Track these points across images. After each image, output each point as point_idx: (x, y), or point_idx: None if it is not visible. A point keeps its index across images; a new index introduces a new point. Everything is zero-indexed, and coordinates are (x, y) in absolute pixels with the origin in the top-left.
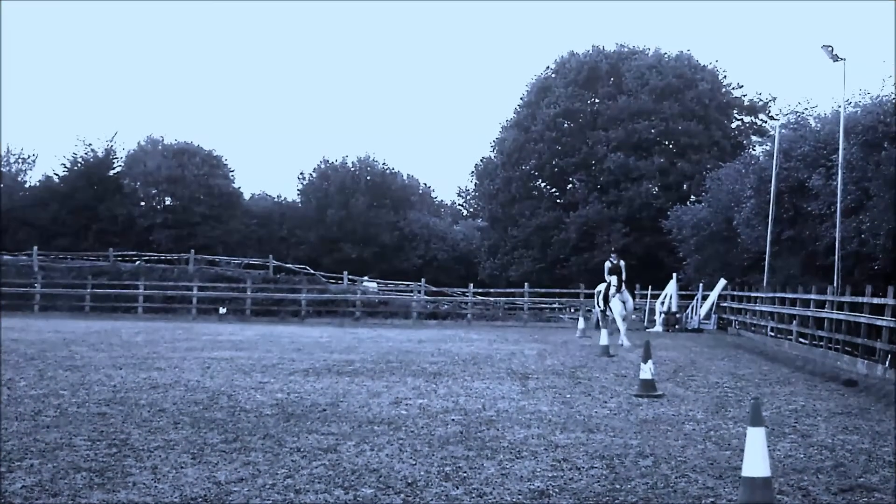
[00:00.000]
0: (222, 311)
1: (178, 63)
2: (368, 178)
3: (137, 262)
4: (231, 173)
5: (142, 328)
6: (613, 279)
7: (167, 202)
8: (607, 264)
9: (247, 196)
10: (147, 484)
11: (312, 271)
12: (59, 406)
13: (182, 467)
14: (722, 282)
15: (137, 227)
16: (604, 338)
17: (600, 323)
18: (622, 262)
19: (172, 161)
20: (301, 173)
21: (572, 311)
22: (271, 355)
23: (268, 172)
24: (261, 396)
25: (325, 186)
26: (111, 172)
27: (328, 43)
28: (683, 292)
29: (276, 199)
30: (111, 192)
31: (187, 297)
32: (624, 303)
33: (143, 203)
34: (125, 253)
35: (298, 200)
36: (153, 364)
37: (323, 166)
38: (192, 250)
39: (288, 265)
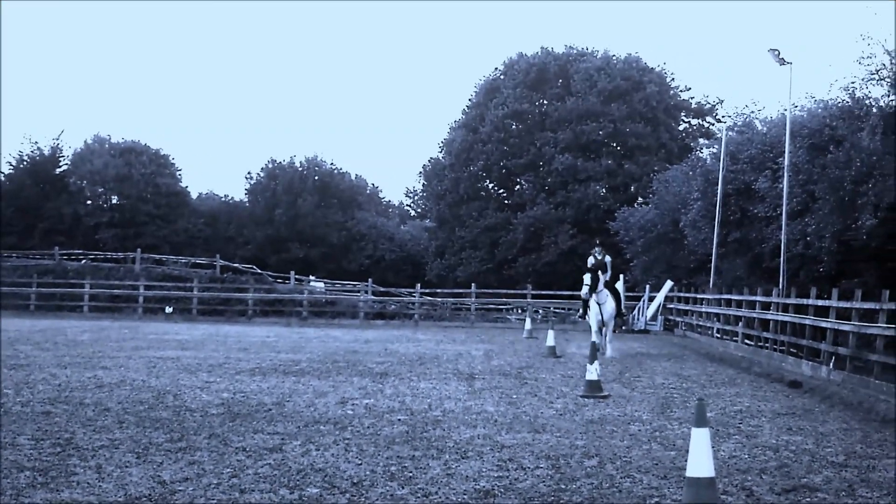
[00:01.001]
0: (169, 310)
1: (125, 61)
2: (316, 177)
3: (83, 261)
4: (178, 172)
5: (87, 327)
6: (587, 277)
7: (114, 201)
8: (590, 260)
9: (194, 195)
10: (91, 483)
11: (259, 271)
12: (3, 405)
13: (126, 466)
14: (668, 283)
15: (84, 225)
16: (550, 338)
17: (596, 340)
18: (608, 258)
19: (119, 160)
20: (248, 173)
21: (519, 311)
22: (217, 355)
23: (215, 172)
24: (206, 396)
25: (273, 186)
26: (57, 171)
27: (276, 42)
28: (630, 294)
29: (223, 199)
30: (57, 190)
31: (133, 297)
32: (600, 305)
33: (89, 202)
34: (71, 252)
35: (246, 200)
36: (98, 363)
37: (270, 166)
38: (139, 249)
39: (235, 265)
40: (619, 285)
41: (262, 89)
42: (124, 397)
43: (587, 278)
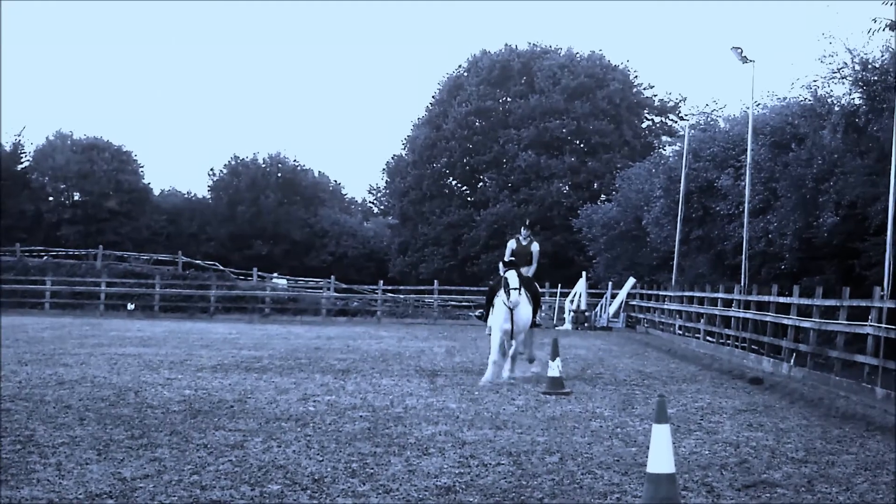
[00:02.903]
0: (130, 307)
1: (87, 57)
2: (279, 174)
3: (45, 258)
4: (141, 169)
5: (49, 324)
6: (504, 270)
7: (76, 197)
8: (511, 244)
9: (156, 192)
10: (51, 480)
11: (222, 268)
12: None
13: (87, 464)
14: (631, 280)
15: (45, 222)
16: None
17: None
18: (536, 246)
19: (81, 156)
20: (211, 169)
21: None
22: (179, 352)
23: (178, 169)
24: (168, 393)
25: (236, 183)
26: (19, 167)
27: (238, 39)
28: (593, 290)
29: (185, 196)
30: (19, 187)
31: (95, 293)
32: (512, 309)
33: (51, 198)
34: (32, 248)
35: (208, 197)
36: (60, 360)
37: (233, 163)
38: (101, 246)
39: (197, 261)
40: (582, 283)
41: (225, 86)
42: (85, 394)
43: (502, 269)
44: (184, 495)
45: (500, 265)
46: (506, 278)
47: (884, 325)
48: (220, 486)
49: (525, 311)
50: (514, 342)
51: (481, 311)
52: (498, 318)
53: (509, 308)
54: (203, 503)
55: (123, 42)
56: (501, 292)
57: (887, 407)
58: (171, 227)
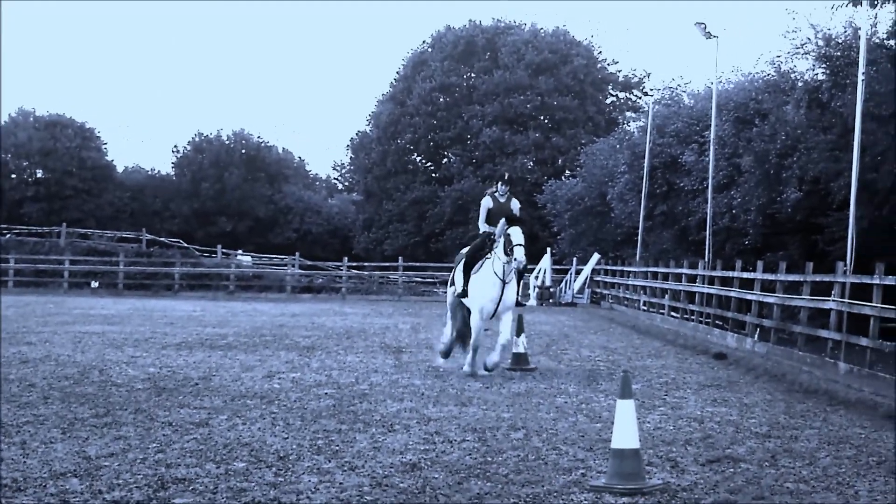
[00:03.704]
0: (94, 284)
1: (49, 33)
2: (243, 151)
3: (8, 236)
4: (104, 146)
5: (12, 302)
6: (501, 227)
7: (39, 175)
8: (486, 203)
9: (120, 169)
10: (15, 459)
11: (186, 245)
12: None
13: (51, 442)
14: (595, 256)
15: (8, 200)
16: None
17: (450, 330)
18: (516, 203)
19: (44, 133)
20: (175, 146)
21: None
22: (143, 329)
23: (141, 145)
24: (132, 371)
25: (200, 160)
26: None
27: (200, 15)
28: (557, 266)
29: (149, 173)
30: None
31: (58, 271)
32: (504, 281)
33: (13, 176)
34: None
35: (172, 174)
36: (23, 338)
37: (197, 139)
38: (64, 223)
39: (161, 239)
40: (546, 259)
41: (189, 63)
42: (49, 373)
43: (498, 230)
44: (148, 473)
45: (482, 225)
46: (508, 234)
47: (846, 300)
48: (185, 464)
49: (513, 285)
50: (499, 325)
51: (462, 286)
52: (486, 292)
53: (501, 280)
54: (168, 481)
55: (86, 19)
56: (495, 254)
57: (850, 381)
58: (135, 204)
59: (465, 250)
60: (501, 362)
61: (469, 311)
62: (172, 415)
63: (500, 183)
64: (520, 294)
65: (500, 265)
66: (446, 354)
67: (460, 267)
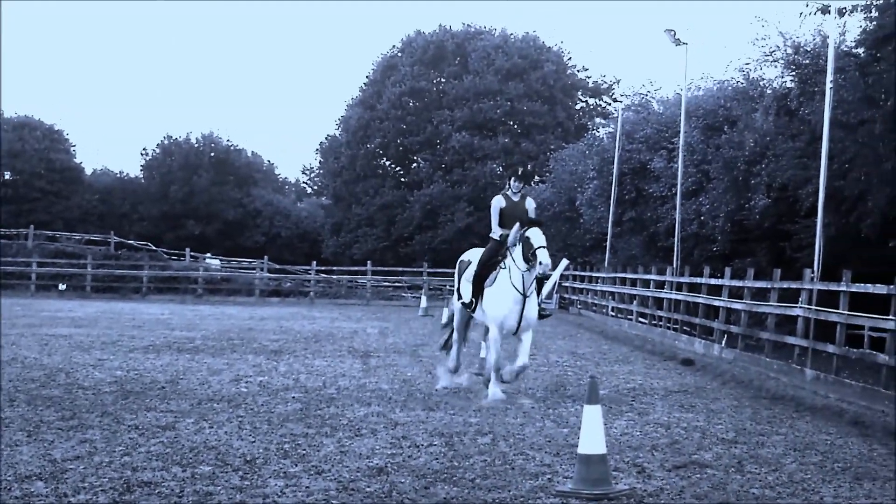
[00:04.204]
0: (62, 287)
1: (18, 34)
2: (212, 154)
3: None
4: (72, 148)
5: None
6: (509, 234)
7: (6, 176)
8: (497, 203)
9: (88, 171)
10: None
11: (154, 248)
12: None
13: (17, 445)
14: (564, 262)
15: None
16: (445, 316)
17: (451, 342)
18: (532, 203)
19: (12, 135)
20: (144, 149)
21: (414, 289)
22: (111, 332)
23: (110, 148)
24: (99, 374)
25: (169, 162)
26: None
27: (170, 18)
28: None
29: (118, 175)
30: None
31: (26, 273)
32: (524, 295)
33: None
34: None
35: (141, 176)
36: None
37: (166, 142)
38: (32, 226)
39: (130, 241)
40: None
41: (158, 65)
42: (15, 375)
43: (511, 235)
44: (114, 477)
45: (496, 229)
46: (527, 237)
47: (814, 307)
48: (151, 468)
49: (534, 299)
50: (519, 345)
51: (471, 298)
52: (504, 305)
53: (522, 293)
54: (134, 484)
55: (55, 19)
56: (512, 263)
57: (816, 388)
58: (103, 206)
59: (466, 256)
60: (510, 382)
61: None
62: (139, 418)
63: (512, 179)
64: (541, 299)
65: (518, 276)
66: (455, 371)
67: (467, 277)
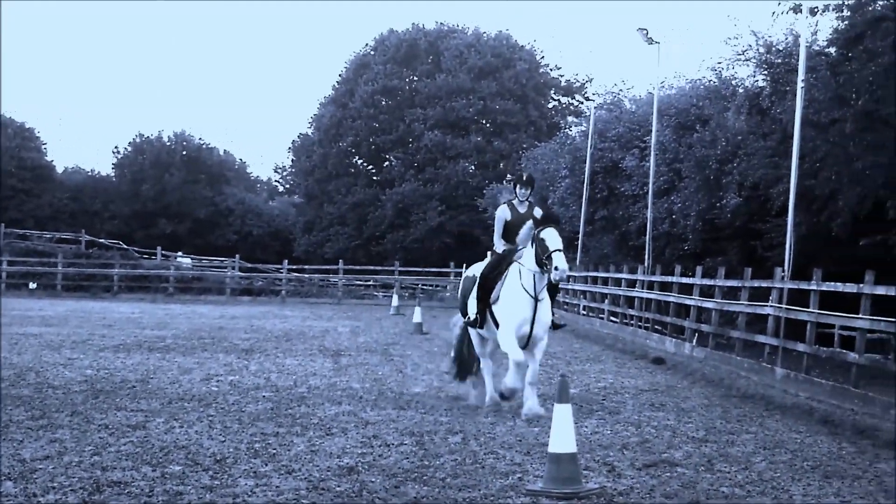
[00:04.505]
0: (32, 286)
1: None
2: (184, 152)
3: None
4: (44, 146)
5: None
6: (530, 230)
7: None
8: (502, 214)
9: (59, 169)
10: None
11: (126, 246)
12: None
13: None
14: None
15: None
16: (417, 315)
17: (462, 359)
18: (539, 211)
19: None
20: (115, 147)
21: (386, 288)
22: (81, 331)
23: (81, 146)
24: (69, 373)
25: (140, 161)
26: None
27: (143, 15)
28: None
29: (89, 173)
30: None
31: None
32: (537, 300)
33: None
34: None
35: (112, 174)
36: None
37: (138, 140)
38: (2, 224)
39: (101, 240)
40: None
41: (130, 63)
42: None
43: (537, 231)
44: (84, 476)
45: (498, 243)
46: (542, 238)
47: (784, 306)
48: (122, 467)
49: (547, 303)
50: (529, 357)
51: (476, 314)
52: (517, 314)
53: (533, 297)
54: (103, 484)
55: (26, 18)
56: (521, 264)
57: (787, 386)
58: (75, 204)
59: (470, 272)
60: (517, 389)
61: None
62: (109, 417)
63: (517, 186)
64: (555, 315)
65: (529, 277)
66: (512, 393)
67: (473, 293)
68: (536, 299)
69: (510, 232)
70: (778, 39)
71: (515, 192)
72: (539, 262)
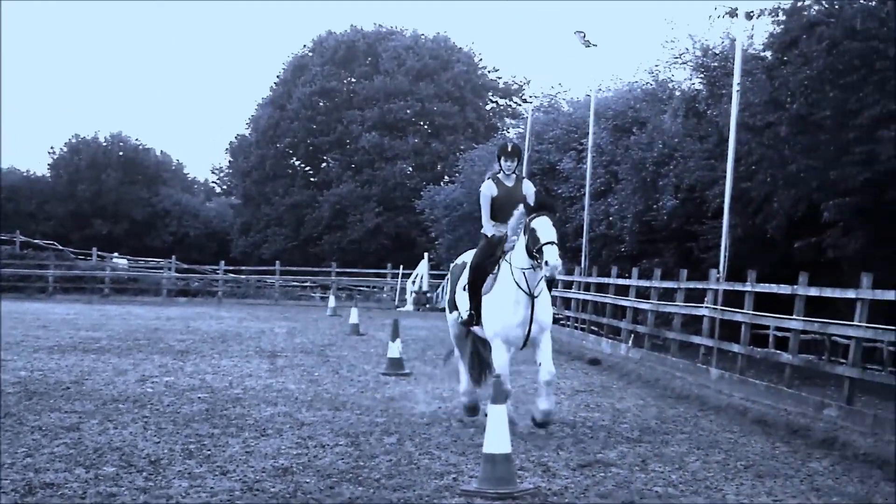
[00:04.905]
0: None
1: None
2: (120, 153)
3: None
4: None
5: None
6: (521, 218)
7: None
8: (488, 190)
9: None
10: None
11: (61, 247)
12: None
13: None
14: (425, 260)
15: None
16: (353, 316)
17: (466, 374)
18: (530, 187)
19: None
20: (51, 148)
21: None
22: (15, 332)
23: (16, 146)
24: (2, 374)
25: (76, 161)
26: None
27: (79, 14)
28: (435, 272)
29: (24, 174)
30: None
31: None
32: (533, 296)
33: None
34: None
35: (48, 175)
36: None
37: (74, 141)
38: None
39: (35, 241)
40: (424, 264)
41: (66, 63)
42: None
43: (527, 219)
44: (16, 478)
45: (487, 224)
46: (532, 229)
47: (719, 307)
48: (55, 469)
49: (546, 297)
50: (538, 353)
51: (469, 311)
52: (508, 313)
53: (528, 294)
54: (36, 486)
55: None
56: (511, 259)
57: (721, 387)
58: (10, 205)
59: (461, 259)
60: (553, 409)
61: (482, 341)
62: (42, 419)
63: (502, 157)
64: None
65: (521, 273)
66: (474, 410)
67: (461, 286)
68: (532, 296)
69: (499, 210)
70: (714, 43)
71: (500, 165)
72: (530, 254)
